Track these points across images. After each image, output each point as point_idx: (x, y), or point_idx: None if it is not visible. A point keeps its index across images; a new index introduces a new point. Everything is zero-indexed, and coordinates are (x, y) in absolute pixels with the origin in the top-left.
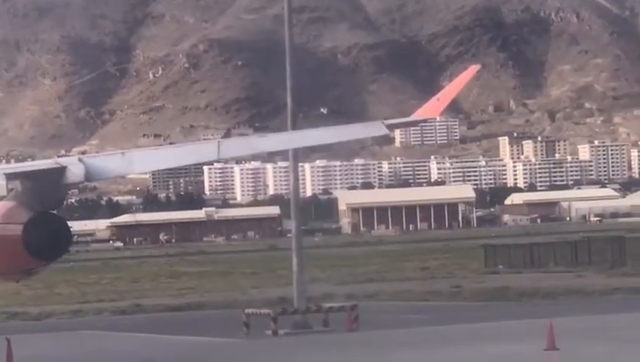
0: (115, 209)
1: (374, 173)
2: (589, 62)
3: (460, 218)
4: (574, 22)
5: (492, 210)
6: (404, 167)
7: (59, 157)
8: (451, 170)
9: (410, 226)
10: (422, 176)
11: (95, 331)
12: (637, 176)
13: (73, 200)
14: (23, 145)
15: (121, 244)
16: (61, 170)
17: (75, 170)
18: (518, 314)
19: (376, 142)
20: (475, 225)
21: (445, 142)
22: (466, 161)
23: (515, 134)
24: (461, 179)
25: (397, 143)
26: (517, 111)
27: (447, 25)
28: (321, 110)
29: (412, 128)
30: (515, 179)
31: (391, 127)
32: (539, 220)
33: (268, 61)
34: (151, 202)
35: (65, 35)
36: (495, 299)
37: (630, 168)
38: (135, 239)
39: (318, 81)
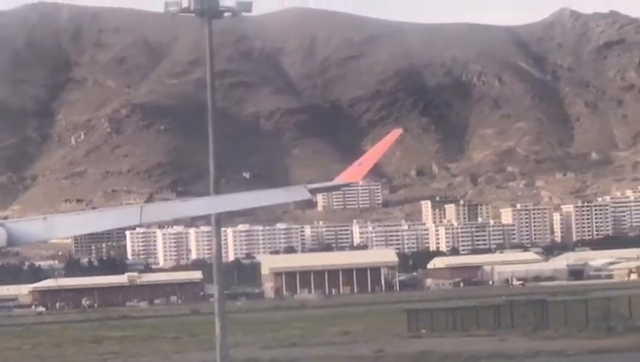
0: (38, 274)
1: (297, 238)
2: (511, 126)
3: (382, 282)
4: (496, 86)
5: (415, 274)
6: (326, 231)
7: None
8: (374, 234)
9: (333, 290)
10: (344, 240)
11: None
12: (559, 239)
13: None
14: None
15: (44, 309)
16: None
17: None
18: None
19: (299, 206)
20: (397, 289)
21: (368, 206)
22: (389, 225)
23: (438, 198)
24: (383, 243)
25: (319, 207)
26: (439, 175)
27: (370, 89)
28: (244, 174)
29: (335, 193)
30: (438, 243)
31: (313, 192)
32: (461, 284)
33: (190, 125)
34: (73, 267)
35: None
36: None
37: (552, 232)
38: (57, 304)
39: (240, 146)
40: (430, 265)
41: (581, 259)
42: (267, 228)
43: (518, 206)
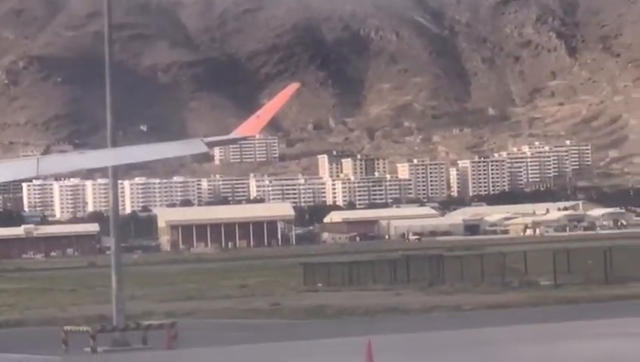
0: None
1: (194, 191)
2: (408, 81)
3: (279, 236)
4: (394, 41)
5: (311, 228)
6: (223, 184)
7: None
8: (270, 188)
9: (230, 244)
10: (241, 194)
11: None
12: (456, 194)
13: None
14: None
15: None
16: None
17: None
18: (336, 332)
19: (196, 159)
20: (294, 243)
21: (264, 159)
22: (286, 179)
23: (335, 152)
24: (280, 196)
25: (216, 161)
26: (336, 130)
27: (267, 43)
28: (141, 127)
29: (231, 146)
30: (335, 197)
31: (210, 145)
32: (358, 238)
33: (88, 78)
34: None
35: None
36: (314, 317)
37: (449, 187)
38: None
39: (138, 99)
40: (327, 219)
41: (477, 214)
42: (164, 181)
43: (415, 161)
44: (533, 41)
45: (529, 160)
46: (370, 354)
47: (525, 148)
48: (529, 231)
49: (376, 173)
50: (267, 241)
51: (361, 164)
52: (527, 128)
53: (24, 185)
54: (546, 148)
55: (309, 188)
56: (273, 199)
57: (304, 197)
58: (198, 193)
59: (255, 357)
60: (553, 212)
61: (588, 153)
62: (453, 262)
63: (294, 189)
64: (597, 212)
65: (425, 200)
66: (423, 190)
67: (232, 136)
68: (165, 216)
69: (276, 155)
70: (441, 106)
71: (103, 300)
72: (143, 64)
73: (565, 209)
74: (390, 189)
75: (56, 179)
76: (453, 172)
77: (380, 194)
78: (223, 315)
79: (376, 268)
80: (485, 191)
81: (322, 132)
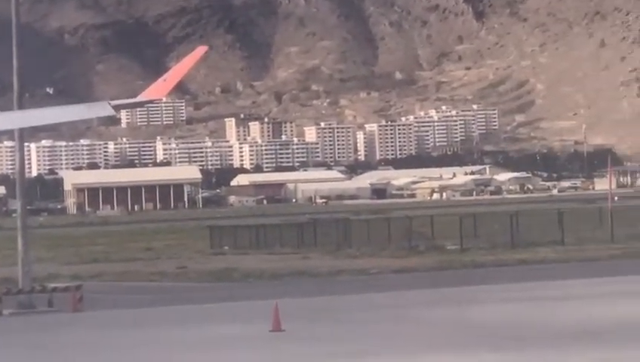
0: None
1: (100, 154)
2: (316, 45)
3: (185, 199)
4: (302, 4)
5: (218, 191)
6: (130, 147)
7: None
8: (177, 151)
9: (136, 207)
10: (148, 157)
11: None
12: (363, 158)
13: None
14: None
15: None
16: None
17: None
18: (243, 296)
19: (103, 122)
20: (200, 206)
21: (171, 123)
22: (193, 142)
23: (242, 115)
24: (187, 160)
25: (123, 124)
26: (244, 93)
27: (175, 6)
28: (48, 90)
29: (138, 109)
30: (242, 160)
31: (117, 108)
32: (265, 201)
33: None
34: None
35: None
36: (221, 280)
37: (356, 150)
38: None
39: (44, 61)
40: (234, 182)
41: (384, 177)
42: (70, 143)
43: (322, 124)
44: (440, 5)
45: (436, 124)
46: (277, 317)
47: (432, 112)
48: (436, 196)
49: (284, 137)
50: (174, 204)
51: (268, 127)
52: (435, 92)
53: None
54: (453, 112)
55: (216, 152)
56: (180, 162)
57: (211, 161)
58: (105, 156)
59: (161, 319)
60: (460, 176)
61: (495, 117)
62: (360, 225)
63: (201, 152)
64: (503, 176)
65: (332, 163)
66: (331, 153)
67: (139, 99)
68: (72, 178)
69: (183, 118)
70: (349, 70)
71: (9, 263)
72: (49, 26)
73: (472, 173)
74: (297, 153)
75: None
76: (360, 135)
77: (288, 158)
78: (128, 278)
79: (283, 232)
80: (392, 155)
81: (230, 95)
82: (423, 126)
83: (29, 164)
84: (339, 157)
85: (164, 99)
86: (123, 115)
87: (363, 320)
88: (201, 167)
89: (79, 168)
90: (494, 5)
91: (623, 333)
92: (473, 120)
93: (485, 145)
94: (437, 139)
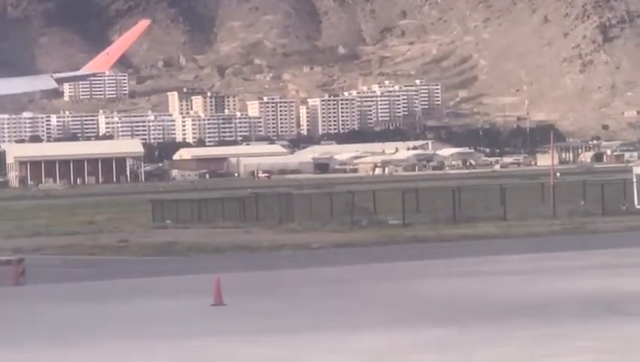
0: None
1: (43, 127)
2: (259, 19)
3: (127, 173)
4: None
5: (160, 165)
6: (72, 120)
7: None
8: (120, 125)
9: (78, 180)
10: (90, 130)
11: None
12: (305, 133)
13: None
14: None
15: None
16: None
17: None
18: (185, 269)
19: (45, 95)
20: (142, 179)
21: (114, 96)
22: (135, 116)
23: (185, 89)
24: (129, 133)
25: (66, 97)
26: (187, 67)
27: None
28: None
29: (81, 82)
30: (184, 135)
31: (60, 81)
32: (207, 176)
33: None
34: None
35: None
36: (163, 254)
37: (299, 125)
38: None
39: None
40: (176, 156)
41: (327, 152)
42: (13, 116)
43: (265, 99)
44: None
45: (379, 99)
46: (219, 291)
47: (375, 87)
48: (378, 170)
49: (226, 111)
50: (116, 178)
51: (211, 102)
52: (378, 67)
53: None
54: (396, 87)
55: (158, 125)
56: (123, 136)
57: (154, 135)
58: (47, 129)
59: (102, 293)
60: (402, 151)
61: (438, 93)
62: (303, 200)
63: (144, 126)
64: (446, 151)
65: (275, 138)
66: (273, 128)
67: (81, 72)
68: (14, 152)
69: (126, 92)
70: (292, 44)
71: None
72: None
73: (415, 148)
74: (240, 127)
75: None
76: (303, 110)
77: (230, 132)
78: (70, 251)
79: (225, 206)
80: (335, 129)
81: (172, 69)
82: (366, 101)
83: None
84: (282, 131)
85: (107, 73)
86: (66, 88)
87: (304, 295)
88: (143, 141)
89: (21, 141)
90: None
91: (563, 308)
92: (416, 95)
93: (428, 121)
94: (380, 114)
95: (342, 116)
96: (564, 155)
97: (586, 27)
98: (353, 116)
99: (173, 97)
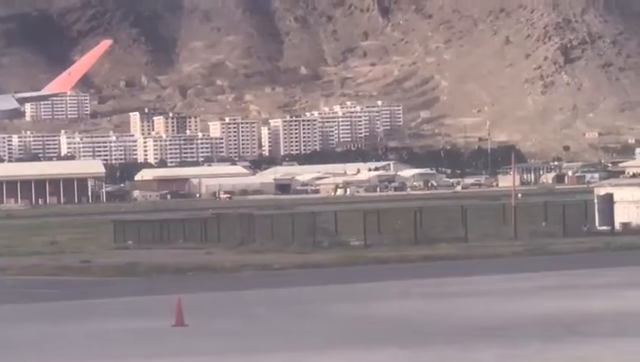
0: None
1: (4, 147)
2: (221, 40)
3: (89, 193)
4: None
5: (122, 185)
6: (34, 141)
7: None
8: (81, 145)
9: (40, 200)
10: (52, 151)
11: None
12: (267, 153)
13: None
14: None
15: None
16: None
17: None
18: (147, 290)
19: (7, 115)
20: (104, 200)
21: (76, 116)
22: (97, 136)
23: (147, 110)
24: (91, 154)
25: (27, 117)
26: (148, 87)
27: None
28: None
29: (43, 102)
30: (146, 155)
31: (21, 101)
32: (169, 196)
33: None
34: None
35: None
36: (124, 275)
37: (260, 146)
38: None
39: None
40: (138, 177)
41: (288, 173)
42: None
43: (227, 119)
44: (346, 0)
45: (340, 120)
46: (180, 312)
47: (337, 108)
48: (340, 191)
49: (188, 131)
50: (78, 199)
51: (172, 122)
52: (339, 88)
53: None
54: (358, 108)
55: (120, 146)
56: (84, 156)
57: (115, 155)
58: (9, 149)
59: (64, 314)
60: (364, 172)
61: (399, 114)
62: (264, 221)
63: (105, 146)
64: (408, 172)
65: (236, 158)
66: (235, 149)
67: (43, 92)
68: None
69: (88, 112)
70: (254, 65)
71: None
72: None
73: (376, 169)
74: (202, 147)
75: None
76: (264, 131)
77: (192, 153)
78: (33, 272)
79: (187, 227)
80: (297, 150)
81: (134, 89)
82: (328, 122)
83: None
84: (243, 152)
85: (69, 93)
86: (27, 108)
87: (266, 316)
88: (105, 162)
89: None
90: (400, 2)
91: (523, 330)
92: (378, 116)
93: (390, 142)
94: (341, 135)
95: (303, 137)
96: (525, 176)
97: (548, 48)
98: (315, 137)
99: (135, 117)
